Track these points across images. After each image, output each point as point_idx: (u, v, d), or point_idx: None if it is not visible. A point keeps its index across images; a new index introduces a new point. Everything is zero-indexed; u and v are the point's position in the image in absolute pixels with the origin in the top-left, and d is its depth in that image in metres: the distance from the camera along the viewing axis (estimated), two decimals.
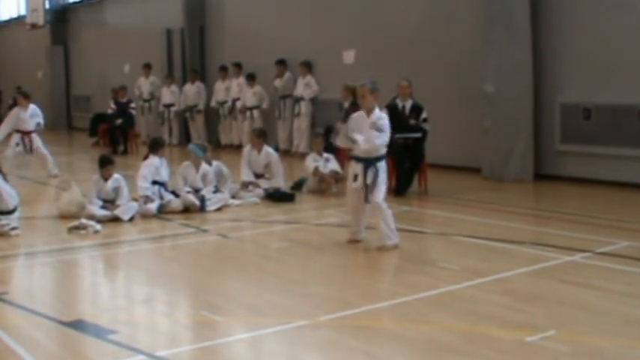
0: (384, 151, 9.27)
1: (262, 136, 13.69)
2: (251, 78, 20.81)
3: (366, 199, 9.14)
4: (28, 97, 17.11)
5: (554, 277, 7.91)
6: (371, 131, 9.13)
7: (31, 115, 16.82)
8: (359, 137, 9.06)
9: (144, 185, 11.88)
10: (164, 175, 12.25)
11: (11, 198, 10.81)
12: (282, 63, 20.08)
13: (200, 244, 10.27)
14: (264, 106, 20.71)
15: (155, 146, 12.51)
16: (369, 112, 9.28)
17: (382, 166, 9.21)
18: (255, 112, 20.71)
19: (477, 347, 5.91)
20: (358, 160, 9.19)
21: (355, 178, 9.17)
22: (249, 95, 20.87)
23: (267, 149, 13.45)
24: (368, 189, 9.07)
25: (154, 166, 12.14)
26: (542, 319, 6.55)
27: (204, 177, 12.30)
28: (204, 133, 22.69)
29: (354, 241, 9.58)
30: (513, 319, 6.57)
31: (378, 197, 9.11)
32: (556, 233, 10.07)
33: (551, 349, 5.82)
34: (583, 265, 8.47)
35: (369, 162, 9.10)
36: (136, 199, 11.83)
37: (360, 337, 6.27)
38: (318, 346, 6.17)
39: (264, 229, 11.01)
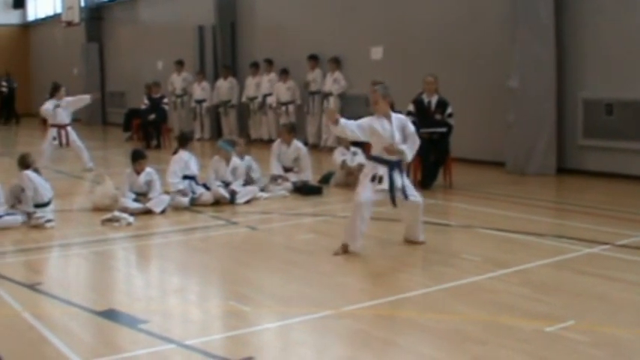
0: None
1: (292, 130, 13.83)
2: (284, 73, 20.86)
3: (394, 202, 8.91)
4: (57, 90, 17.31)
5: (574, 269, 7.98)
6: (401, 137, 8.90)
7: (66, 108, 17.05)
8: (405, 148, 8.85)
9: (175, 181, 12.03)
10: (194, 169, 12.38)
11: (46, 191, 11.04)
12: (314, 58, 20.21)
13: (230, 235, 10.37)
14: (299, 101, 20.85)
15: (184, 141, 12.68)
16: (388, 117, 8.94)
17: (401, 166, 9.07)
18: (290, 107, 20.80)
19: (498, 337, 6.01)
20: (381, 161, 8.86)
21: (380, 180, 8.81)
22: (282, 90, 20.91)
23: (297, 143, 13.58)
24: (396, 192, 8.83)
25: (183, 161, 12.28)
26: (562, 310, 6.63)
27: (234, 171, 12.44)
28: (236, 128, 22.81)
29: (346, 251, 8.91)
30: (534, 310, 6.64)
31: (417, 195, 9.12)
32: (577, 226, 10.12)
33: (570, 339, 5.90)
34: (603, 257, 8.52)
35: (393, 164, 8.87)
36: (167, 192, 12.00)
37: (384, 327, 6.41)
38: (344, 335, 6.28)
39: (292, 221, 11.12)
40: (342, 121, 8.70)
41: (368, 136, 8.91)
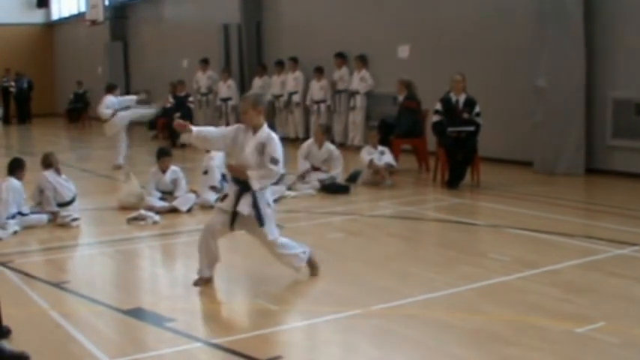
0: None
1: (327, 132, 13.84)
2: (318, 72, 20.67)
3: (232, 225, 7.72)
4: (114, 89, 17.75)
5: (604, 270, 7.93)
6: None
7: (106, 105, 17.27)
8: (252, 174, 7.49)
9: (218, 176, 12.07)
10: (222, 168, 12.39)
11: (67, 190, 11.07)
12: (341, 56, 20.17)
13: None
14: (329, 101, 20.76)
15: None
16: (254, 132, 7.63)
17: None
18: (322, 106, 20.72)
19: (527, 338, 5.98)
20: (232, 179, 7.84)
21: (224, 198, 7.86)
22: (315, 89, 20.77)
23: (329, 145, 13.54)
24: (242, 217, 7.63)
25: (222, 158, 12.30)
26: (592, 311, 6.59)
27: None
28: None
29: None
30: (563, 311, 6.61)
31: (274, 233, 7.81)
32: (606, 226, 10.04)
33: (600, 341, 5.87)
34: (633, 259, 8.47)
35: (243, 186, 7.58)
36: (193, 191, 12.03)
37: (412, 327, 6.37)
38: (371, 334, 6.26)
39: (320, 220, 11.10)
40: (195, 128, 7.66)
41: (226, 146, 7.88)
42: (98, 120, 17.63)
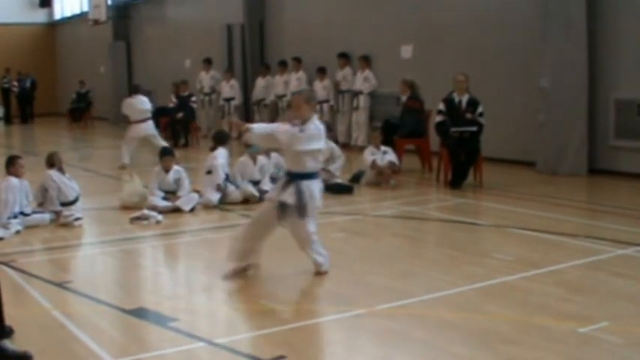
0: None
1: (328, 131, 13.82)
2: (321, 72, 20.66)
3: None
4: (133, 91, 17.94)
5: (607, 270, 7.94)
6: None
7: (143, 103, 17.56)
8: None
9: (222, 175, 12.11)
10: (226, 167, 12.42)
11: (70, 190, 11.09)
12: (344, 56, 20.17)
13: None
14: (332, 101, 20.76)
15: (223, 139, 12.67)
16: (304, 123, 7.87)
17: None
18: (325, 106, 20.72)
19: (531, 337, 6.00)
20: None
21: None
22: (319, 89, 20.65)
23: (330, 144, 13.53)
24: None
25: (225, 157, 12.34)
26: (595, 311, 6.60)
27: (261, 169, 12.48)
28: None
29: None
30: (566, 310, 6.62)
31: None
32: (609, 227, 10.06)
33: (603, 340, 5.87)
34: (635, 259, 8.49)
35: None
36: (196, 191, 12.04)
37: (416, 326, 6.39)
38: (376, 334, 6.27)
39: (323, 220, 10.96)
40: (255, 126, 7.93)
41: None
42: (100, 120, 17.63)
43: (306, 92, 8.54)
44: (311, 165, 7.83)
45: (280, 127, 8.00)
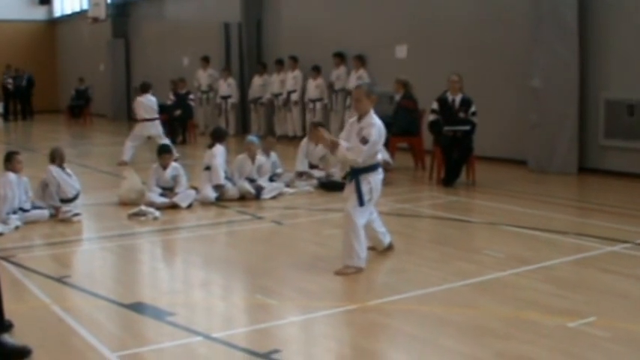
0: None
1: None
2: (315, 70, 20.76)
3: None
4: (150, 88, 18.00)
5: (596, 266, 8.02)
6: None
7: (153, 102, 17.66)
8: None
9: (222, 175, 12.19)
10: (224, 165, 12.48)
11: (70, 187, 11.16)
12: (339, 56, 20.25)
13: (255, 230, 10.43)
14: (326, 100, 20.88)
15: (222, 136, 12.77)
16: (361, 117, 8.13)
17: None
18: (318, 105, 20.81)
19: (521, 332, 6.08)
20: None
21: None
22: (312, 87, 20.85)
23: None
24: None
25: (224, 155, 12.41)
26: (584, 306, 6.68)
27: (259, 168, 12.57)
28: (264, 124, 22.90)
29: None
30: (556, 306, 6.70)
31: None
32: (598, 224, 10.14)
33: (591, 335, 5.96)
34: (624, 256, 8.56)
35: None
36: (194, 187, 12.14)
37: (408, 321, 6.47)
38: (368, 329, 6.34)
39: (317, 216, 11.19)
40: (344, 143, 8.02)
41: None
42: (99, 116, 17.68)
43: (366, 86, 8.70)
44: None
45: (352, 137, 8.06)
